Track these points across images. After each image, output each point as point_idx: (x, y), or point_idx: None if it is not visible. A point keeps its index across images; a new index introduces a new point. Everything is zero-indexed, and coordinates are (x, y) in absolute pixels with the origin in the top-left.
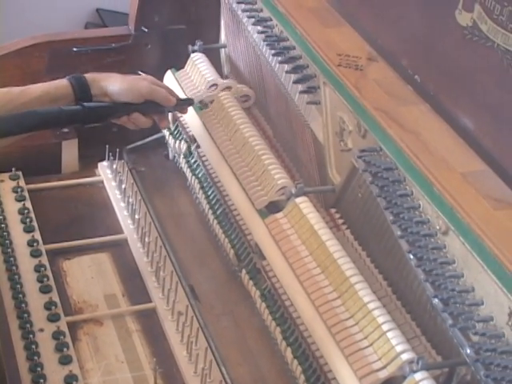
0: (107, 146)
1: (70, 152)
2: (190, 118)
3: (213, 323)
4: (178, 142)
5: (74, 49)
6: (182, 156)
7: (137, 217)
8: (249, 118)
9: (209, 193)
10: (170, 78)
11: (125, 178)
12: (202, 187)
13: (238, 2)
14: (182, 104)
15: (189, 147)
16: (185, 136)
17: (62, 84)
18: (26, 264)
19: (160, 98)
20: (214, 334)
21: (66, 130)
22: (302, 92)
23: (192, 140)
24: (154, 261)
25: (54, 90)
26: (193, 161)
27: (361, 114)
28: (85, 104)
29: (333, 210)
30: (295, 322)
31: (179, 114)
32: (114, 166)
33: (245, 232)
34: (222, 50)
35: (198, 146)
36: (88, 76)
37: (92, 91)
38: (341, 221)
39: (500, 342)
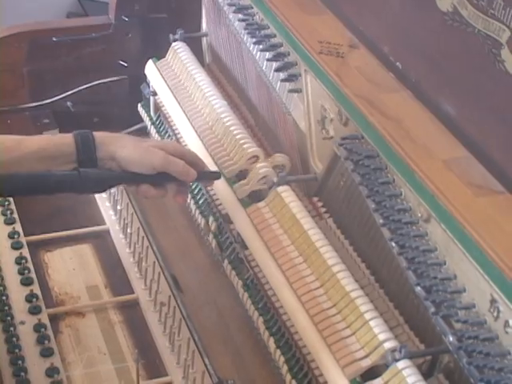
0: None
1: None
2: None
3: (195, 314)
4: None
5: (54, 38)
6: None
7: (119, 207)
8: (230, 106)
9: (191, 183)
10: (151, 68)
11: None
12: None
13: None
14: (205, 177)
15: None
16: (167, 127)
17: (64, 141)
18: (6, 256)
19: (176, 172)
20: (197, 325)
21: (46, 120)
22: (283, 80)
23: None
24: (136, 251)
25: (53, 146)
26: None
27: (342, 102)
28: (81, 170)
29: (315, 199)
30: (278, 312)
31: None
32: None
33: (227, 221)
34: (204, 38)
35: (179, 136)
36: (97, 136)
37: (98, 153)
38: (323, 209)
39: (482, 329)
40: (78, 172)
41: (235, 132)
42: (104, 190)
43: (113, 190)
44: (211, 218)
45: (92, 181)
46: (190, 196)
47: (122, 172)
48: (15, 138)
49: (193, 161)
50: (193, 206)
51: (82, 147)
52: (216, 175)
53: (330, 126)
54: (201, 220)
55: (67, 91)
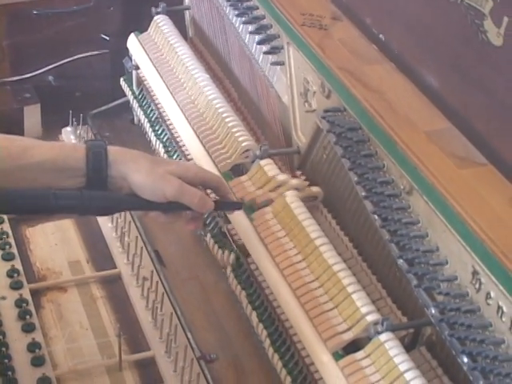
0: (71, 112)
1: (32, 117)
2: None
3: (178, 288)
4: None
5: (35, 11)
6: (148, 124)
7: None
8: (213, 80)
9: (173, 157)
10: (133, 41)
11: None
12: (166, 151)
13: None
14: (225, 208)
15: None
16: (149, 101)
17: (74, 155)
18: None
19: (191, 204)
20: (180, 299)
21: (27, 94)
22: (265, 53)
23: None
24: (118, 226)
25: (61, 159)
26: (157, 126)
27: (325, 74)
28: (84, 192)
29: (298, 172)
30: (261, 286)
31: (145, 80)
32: (78, 132)
33: (209, 196)
34: (186, 11)
35: (162, 110)
36: (112, 152)
37: (110, 171)
38: (306, 183)
39: (464, 302)
40: (80, 193)
41: (219, 107)
42: (108, 215)
43: None
44: None
45: (95, 205)
46: None
47: (131, 198)
48: (22, 145)
49: (216, 187)
50: None
51: (92, 165)
52: (238, 205)
53: (312, 99)
54: None
55: (49, 65)
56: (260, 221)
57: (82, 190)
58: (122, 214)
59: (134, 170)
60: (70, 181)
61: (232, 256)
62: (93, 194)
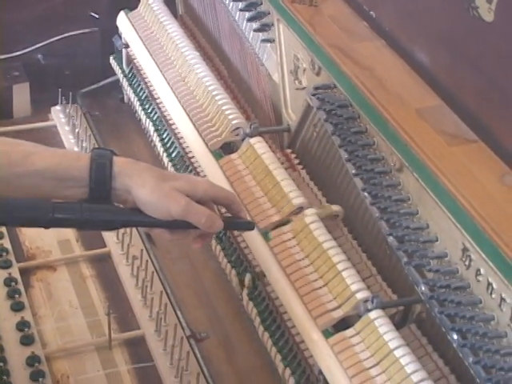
0: (60, 90)
1: (21, 96)
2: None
3: (168, 267)
4: None
5: None
6: (138, 103)
7: None
8: (203, 58)
9: (163, 136)
10: (122, 19)
11: (78, 122)
12: (156, 130)
13: None
14: (236, 227)
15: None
16: (139, 79)
17: (77, 164)
18: None
19: (198, 224)
20: (170, 278)
21: (16, 73)
22: (256, 30)
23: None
24: None
25: (63, 169)
26: (147, 105)
27: (315, 51)
28: (84, 206)
29: (288, 151)
30: (251, 264)
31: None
32: (68, 110)
33: (200, 174)
34: None
35: (152, 89)
36: (117, 164)
37: (114, 184)
38: (296, 161)
39: (454, 279)
40: (80, 206)
41: (209, 85)
42: (110, 230)
43: (84, 144)
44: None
45: (95, 220)
46: (162, 149)
47: (135, 213)
48: (23, 150)
49: (228, 204)
50: (165, 159)
51: (95, 176)
52: (249, 226)
53: (302, 76)
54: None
55: (38, 43)
56: (249, 199)
57: (82, 203)
58: None
59: (138, 184)
60: (72, 191)
61: (221, 234)
62: (93, 208)
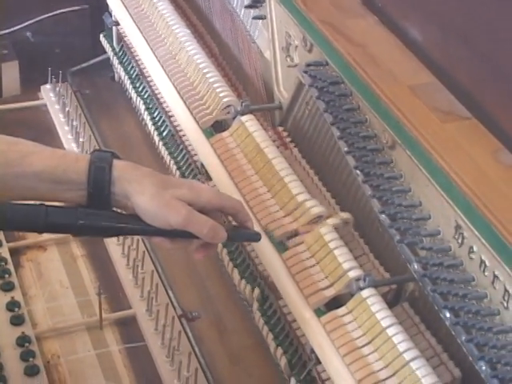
0: (50, 69)
1: (10, 75)
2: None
3: (159, 246)
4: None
5: None
6: (128, 81)
7: (81, 140)
8: (194, 35)
9: (154, 114)
10: None
11: (69, 100)
12: (147, 108)
13: None
14: (241, 239)
15: None
16: (130, 57)
17: (75, 167)
18: None
19: (199, 234)
20: (161, 257)
21: (5, 51)
22: (247, 7)
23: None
24: None
25: (62, 171)
26: (138, 83)
27: (306, 28)
28: (80, 210)
29: (280, 128)
30: (241, 243)
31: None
32: (58, 89)
33: (191, 153)
34: None
35: (142, 67)
36: (117, 168)
37: (113, 189)
38: (288, 139)
39: (447, 256)
40: (75, 211)
41: (200, 62)
42: (107, 237)
43: (75, 123)
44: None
45: (91, 226)
46: (153, 127)
47: (134, 221)
48: (21, 150)
49: (233, 214)
50: (156, 137)
51: (93, 180)
52: (255, 237)
53: (294, 53)
54: (166, 156)
55: (27, 21)
56: (241, 177)
57: (78, 208)
58: None
59: (137, 191)
60: (70, 194)
61: None
62: (89, 214)
